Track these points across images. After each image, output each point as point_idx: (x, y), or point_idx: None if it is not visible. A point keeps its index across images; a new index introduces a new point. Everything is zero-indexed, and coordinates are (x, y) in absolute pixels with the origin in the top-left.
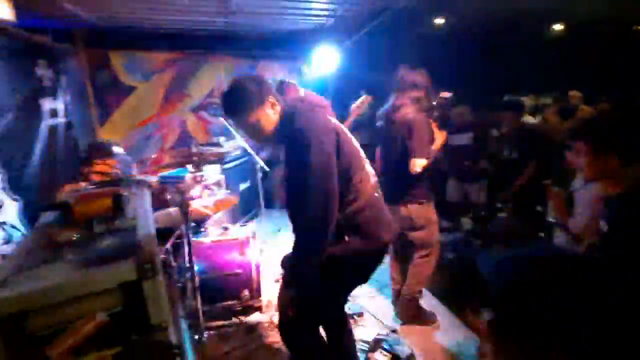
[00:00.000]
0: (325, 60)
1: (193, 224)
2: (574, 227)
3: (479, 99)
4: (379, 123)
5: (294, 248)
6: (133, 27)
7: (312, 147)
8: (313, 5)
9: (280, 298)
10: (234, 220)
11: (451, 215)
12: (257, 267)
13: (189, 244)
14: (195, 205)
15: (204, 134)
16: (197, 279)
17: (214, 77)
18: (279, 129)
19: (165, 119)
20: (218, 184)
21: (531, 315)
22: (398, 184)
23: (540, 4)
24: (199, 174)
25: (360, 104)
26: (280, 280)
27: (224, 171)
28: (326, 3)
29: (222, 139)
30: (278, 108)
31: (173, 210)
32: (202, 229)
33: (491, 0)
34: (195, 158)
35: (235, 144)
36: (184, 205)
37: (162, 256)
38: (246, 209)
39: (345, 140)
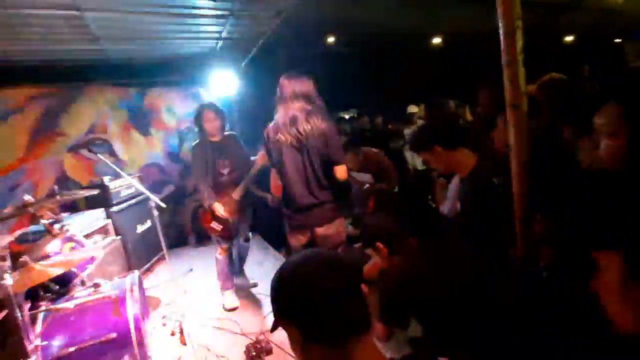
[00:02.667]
0: (223, 84)
1: (56, 287)
2: (443, 210)
3: (376, 110)
4: (271, 142)
5: None
6: None
7: None
8: (188, 28)
9: None
10: (132, 269)
11: None
12: (139, 326)
13: (16, 321)
14: (39, 266)
15: (88, 174)
16: None
17: (93, 111)
18: None
19: (34, 163)
20: (104, 230)
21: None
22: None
23: (419, 20)
24: (56, 225)
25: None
26: (178, 333)
27: (113, 214)
28: (206, 25)
29: (106, 179)
30: None
31: None
32: (69, 291)
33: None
34: (36, 208)
35: (125, 182)
36: None
37: None
38: (149, 253)
39: None
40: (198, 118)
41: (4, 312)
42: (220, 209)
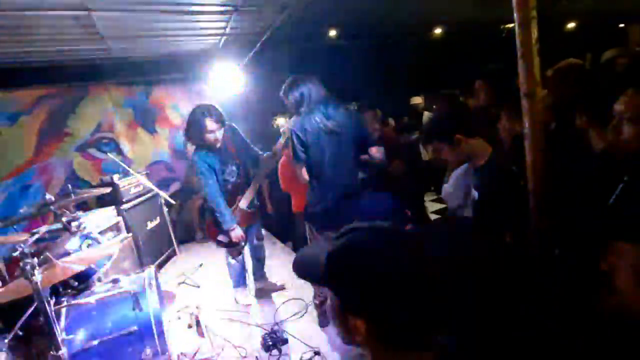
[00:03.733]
0: (227, 80)
1: (75, 283)
2: (452, 201)
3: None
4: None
5: None
6: None
7: None
8: (192, 24)
9: None
10: (143, 264)
11: None
12: (158, 319)
13: (47, 315)
14: (62, 263)
15: (96, 173)
16: (66, 357)
17: (99, 110)
18: None
19: (43, 164)
20: (116, 227)
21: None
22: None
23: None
24: (74, 223)
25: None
26: (195, 325)
27: (123, 212)
28: (210, 21)
29: (115, 177)
30: None
31: (18, 281)
32: (88, 287)
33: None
34: (56, 210)
35: (134, 180)
36: (27, 272)
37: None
38: (159, 249)
39: None
40: (198, 129)
41: (33, 306)
42: (238, 232)
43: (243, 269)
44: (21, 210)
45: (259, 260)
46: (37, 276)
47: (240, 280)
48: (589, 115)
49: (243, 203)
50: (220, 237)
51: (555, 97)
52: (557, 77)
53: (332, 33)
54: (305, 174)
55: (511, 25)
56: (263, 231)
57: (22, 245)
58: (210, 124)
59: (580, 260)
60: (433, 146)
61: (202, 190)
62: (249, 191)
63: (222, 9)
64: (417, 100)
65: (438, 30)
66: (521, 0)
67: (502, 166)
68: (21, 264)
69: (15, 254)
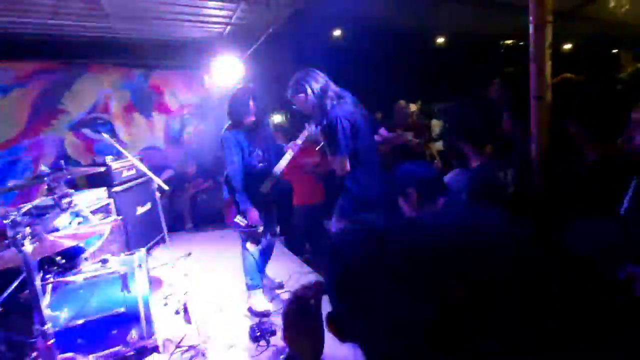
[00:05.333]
0: (228, 71)
1: (62, 261)
2: None
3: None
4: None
5: None
6: None
7: None
8: (200, 10)
9: None
10: (132, 248)
11: None
12: (146, 302)
13: (34, 287)
14: (52, 237)
15: (88, 154)
16: (51, 332)
17: (96, 90)
18: None
19: (34, 139)
20: (105, 209)
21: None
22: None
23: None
24: (64, 200)
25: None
26: (182, 312)
27: (114, 194)
28: (217, 9)
29: (108, 158)
30: None
31: (8, 251)
32: (75, 265)
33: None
34: (50, 183)
35: (127, 163)
36: (17, 241)
37: None
38: (148, 234)
39: None
40: (242, 108)
41: (20, 278)
42: (255, 214)
43: (261, 262)
44: (10, 183)
45: (264, 256)
46: (28, 246)
47: (255, 277)
48: (583, 127)
49: (265, 187)
50: (238, 219)
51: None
52: (553, 92)
53: (337, 33)
54: (348, 165)
55: (510, 41)
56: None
57: (14, 213)
58: (253, 106)
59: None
60: (456, 146)
61: (225, 164)
62: (272, 176)
63: None
64: (412, 107)
65: (440, 39)
66: (538, 2)
67: (493, 171)
68: (11, 232)
69: (6, 221)
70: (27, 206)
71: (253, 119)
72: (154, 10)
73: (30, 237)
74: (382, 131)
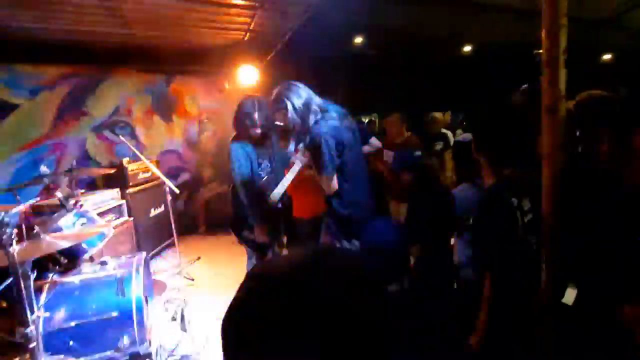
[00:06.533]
0: (247, 77)
1: (65, 261)
2: None
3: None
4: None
5: None
6: (14, 38)
7: None
8: (219, 17)
9: None
10: (142, 250)
11: None
12: (140, 308)
13: (24, 289)
14: (49, 238)
15: (108, 155)
16: (34, 335)
17: (118, 94)
18: None
19: (58, 140)
20: (118, 210)
21: None
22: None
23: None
24: (71, 200)
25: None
26: (179, 319)
27: (128, 195)
28: (235, 16)
29: (125, 160)
30: None
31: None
32: (76, 265)
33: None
34: (49, 183)
35: (143, 166)
36: (4, 242)
37: None
38: (158, 237)
39: None
40: (245, 120)
41: (9, 280)
42: (263, 232)
43: None
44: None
45: None
46: (15, 247)
47: None
48: (618, 147)
49: (272, 198)
50: (245, 233)
51: (579, 130)
52: (579, 110)
53: (358, 40)
54: (335, 184)
55: None
56: None
57: (1, 213)
58: (258, 117)
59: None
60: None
61: (233, 176)
62: (280, 186)
63: (247, 3)
64: (438, 115)
65: (467, 48)
66: (551, 4)
67: (505, 195)
68: None
69: None
70: (26, 205)
71: (258, 130)
72: (174, 17)
73: (27, 238)
74: (373, 141)
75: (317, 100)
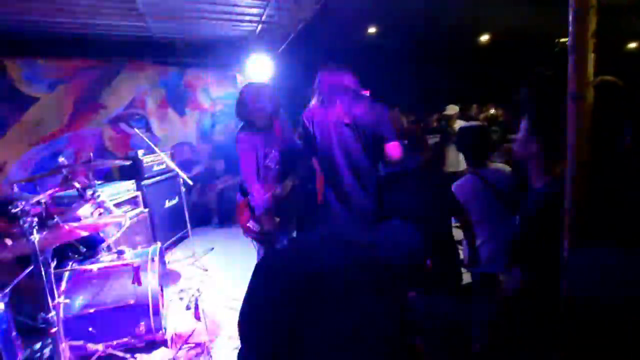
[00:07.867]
0: (260, 69)
1: (84, 249)
2: None
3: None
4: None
5: None
6: (32, 31)
7: None
8: (232, 9)
9: None
10: (157, 241)
11: None
12: (156, 296)
13: (45, 276)
14: (67, 227)
15: (124, 147)
16: (54, 320)
17: (133, 86)
18: None
19: (76, 133)
20: (133, 201)
21: None
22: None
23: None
24: (88, 191)
25: None
26: (193, 308)
27: (143, 187)
28: (247, 7)
29: (140, 152)
30: None
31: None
32: (95, 254)
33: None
34: (67, 174)
35: (158, 157)
36: (25, 231)
37: None
38: (174, 228)
39: None
40: (247, 106)
41: (31, 267)
42: (271, 223)
43: None
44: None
45: None
46: (35, 235)
47: None
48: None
49: (282, 190)
50: (251, 224)
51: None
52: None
53: (372, 30)
54: (315, 164)
55: (566, 39)
56: None
57: (22, 202)
58: (262, 105)
59: None
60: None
61: (239, 167)
62: (289, 179)
63: None
64: (453, 109)
65: (485, 37)
66: None
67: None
68: (21, 221)
69: (15, 210)
70: (45, 195)
71: (263, 119)
72: (187, 9)
73: (47, 227)
74: (389, 148)
75: (329, 88)
